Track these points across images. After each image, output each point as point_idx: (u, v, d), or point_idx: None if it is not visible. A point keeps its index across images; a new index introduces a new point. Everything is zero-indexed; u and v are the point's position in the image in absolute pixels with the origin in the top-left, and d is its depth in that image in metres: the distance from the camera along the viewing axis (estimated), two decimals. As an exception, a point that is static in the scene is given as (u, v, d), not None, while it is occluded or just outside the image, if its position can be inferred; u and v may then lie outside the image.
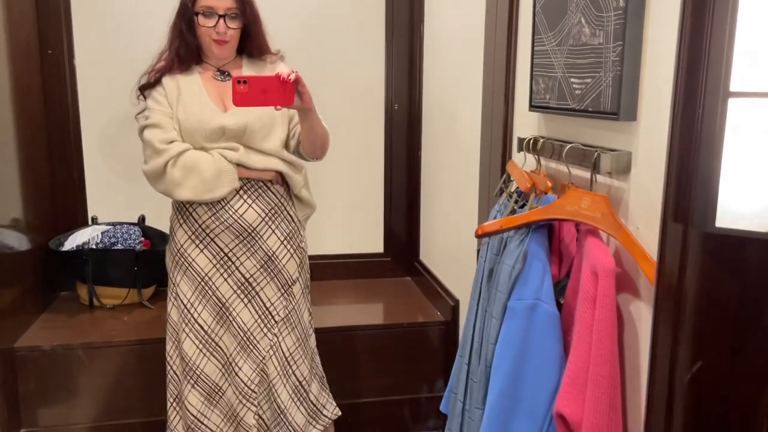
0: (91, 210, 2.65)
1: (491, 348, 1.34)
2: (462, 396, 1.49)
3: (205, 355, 1.83)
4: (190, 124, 1.76)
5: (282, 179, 1.86)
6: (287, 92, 1.60)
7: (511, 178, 1.55)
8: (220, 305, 1.83)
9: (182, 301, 1.83)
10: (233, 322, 1.83)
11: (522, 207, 1.42)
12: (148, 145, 1.77)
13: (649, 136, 1.14)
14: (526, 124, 1.65)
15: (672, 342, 0.91)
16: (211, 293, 1.82)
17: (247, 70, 1.85)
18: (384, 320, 2.57)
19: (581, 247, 1.23)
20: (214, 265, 1.82)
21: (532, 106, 1.51)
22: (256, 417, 1.85)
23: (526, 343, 1.26)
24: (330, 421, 2.02)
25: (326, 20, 2.73)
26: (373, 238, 2.93)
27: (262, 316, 1.84)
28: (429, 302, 2.61)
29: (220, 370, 1.85)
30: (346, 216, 2.89)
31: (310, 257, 2.00)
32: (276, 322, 1.85)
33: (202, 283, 1.82)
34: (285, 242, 1.86)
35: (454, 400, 1.54)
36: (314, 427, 1.96)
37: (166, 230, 2.01)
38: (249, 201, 1.81)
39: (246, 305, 1.83)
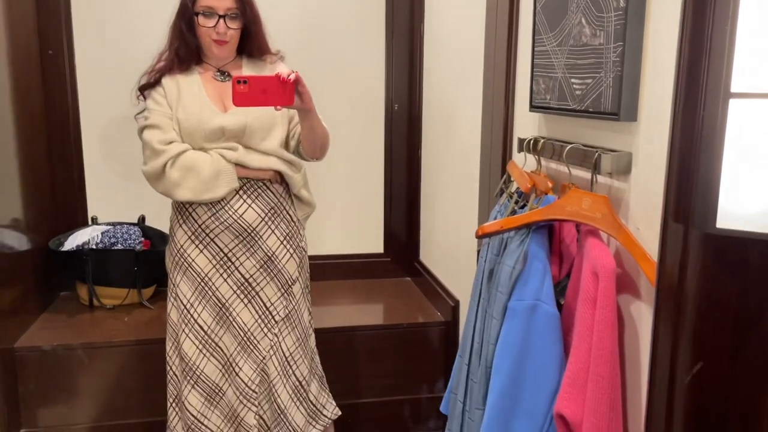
0: (91, 210, 2.65)
1: (491, 348, 1.34)
2: (462, 396, 1.49)
3: (204, 355, 1.83)
4: (189, 124, 1.76)
5: (281, 178, 1.86)
6: (287, 92, 1.60)
7: (512, 179, 1.55)
8: (220, 305, 1.83)
9: (182, 302, 1.83)
10: (233, 323, 1.83)
11: (522, 207, 1.42)
12: (147, 146, 1.77)
13: (650, 137, 1.14)
14: (527, 124, 1.65)
15: (672, 342, 0.91)
16: (210, 293, 1.82)
17: (247, 70, 1.85)
18: (384, 320, 2.57)
19: (582, 247, 1.23)
20: (214, 266, 1.82)
21: (533, 107, 1.51)
22: (257, 417, 1.85)
23: (527, 344, 1.26)
24: (330, 421, 2.02)
25: (326, 20, 2.73)
26: (373, 238, 2.93)
27: (263, 316, 1.84)
28: (429, 302, 2.60)
29: (220, 370, 1.85)
30: (346, 216, 2.89)
31: (310, 257, 2.00)
32: (276, 322, 1.85)
33: (202, 284, 1.82)
34: (284, 242, 1.86)
35: (454, 400, 1.54)
36: (314, 427, 1.96)
37: (166, 230, 2.01)
38: (249, 201, 1.81)
39: (246, 305, 1.83)
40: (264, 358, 1.84)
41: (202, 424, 1.84)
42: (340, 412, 2.04)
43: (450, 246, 2.45)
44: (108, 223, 2.56)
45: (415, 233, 2.91)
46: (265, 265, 1.83)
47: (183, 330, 1.83)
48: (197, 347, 1.82)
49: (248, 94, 1.57)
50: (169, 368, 1.89)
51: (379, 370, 2.38)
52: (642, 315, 1.17)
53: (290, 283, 1.87)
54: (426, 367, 2.42)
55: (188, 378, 1.83)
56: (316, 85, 1.74)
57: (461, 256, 2.26)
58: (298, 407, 1.90)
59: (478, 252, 1.59)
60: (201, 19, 1.76)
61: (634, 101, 1.16)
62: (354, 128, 2.81)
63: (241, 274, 1.82)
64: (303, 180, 1.92)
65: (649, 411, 0.95)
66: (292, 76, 1.59)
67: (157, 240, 2.55)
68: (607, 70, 1.19)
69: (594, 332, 1.13)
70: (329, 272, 2.82)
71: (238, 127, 1.77)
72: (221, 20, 1.75)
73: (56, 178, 2.60)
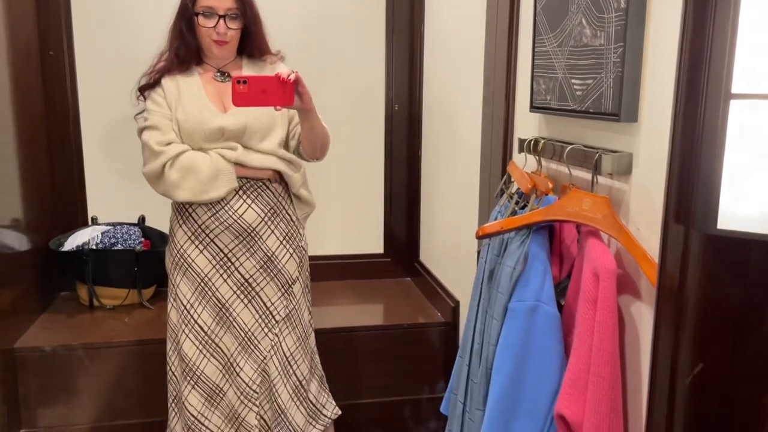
0: (91, 210, 2.65)
1: (492, 349, 1.34)
2: (462, 397, 1.49)
3: (205, 356, 1.83)
4: (189, 125, 1.76)
5: (280, 178, 1.86)
6: (287, 92, 1.60)
7: (512, 179, 1.55)
8: (220, 306, 1.83)
9: (182, 302, 1.83)
10: (234, 323, 1.83)
11: (523, 208, 1.42)
12: (146, 147, 1.77)
13: (650, 138, 1.14)
14: (527, 124, 1.65)
15: (673, 343, 0.91)
16: (210, 294, 1.82)
17: (248, 70, 1.85)
18: (384, 321, 2.57)
19: (582, 248, 1.23)
20: (214, 266, 1.82)
21: (533, 107, 1.51)
22: (258, 417, 1.85)
23: (527, 345, 1.26)
24: (330, 421, 2.02)
25: (326, 20, 2.73)
26: (373, 238, 2.93)
27: (263, 316, 1.84)
28: (429, 303, 2.60)
29: (221, 371, 1.85)
30: (346, 216, 2.89)
31: (310, 258, 2.00)
32: (277, 321, 1.85)
33: (202, 284, 1.82)
34: (284, 242, 1.86)
35: (455, 401, 1.54)
36: (314, 426, 1.96)
37: (166, 231, 2.01)
38: (248, 201, 1.81)
39: (246, 305, 1.83)
40: (265, 358, 1.84)
41: (203, 424, 1.84)
42: (340, 412, 2.04)
43: (450, 246, 2.45)
44: (108, 224, 2.56)
45: (415, 233, 2.91)
46: (265, 266, 1.83)
47: (183, 330, 1.83)
48: (197, 348, 1.82)
49: (248, 94, 1.57)
50: (168, 368, 1.89)
51: (379, 371, 2.38)
52: (643, 316, 1.17)
53: (290, 283, 1.87)
54: (426, 368, 2.41)
55: (188, 378, 1.83)
56: (316, 85, 1.74)
57: (461, 256, 2.26)
58: (298, 407, 1.90)
59: (479, 252, 1.59)
60: (201, 20, 1.75)
61: (635, 102, 1.16)
62: (354, 128, 2.81)
63: (241, 274, 1.82)
64: (302, 179, 1.92)
65: (649, 412, 0.95)
66: (292, 77, 1.59)
67: (157, 240, 2.55)
68: (607, 70, 1.19)
69: (595, 333, 1.13)
70: (329, 272, 2.82)
71: (237, 128, 1.77)
72: (221, 20, 1.75)
73: (56, 178, 2.60)
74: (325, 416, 2.00)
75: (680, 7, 0.85)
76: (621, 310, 1.21)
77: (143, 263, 2.47)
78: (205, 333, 1.82)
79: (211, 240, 1.81)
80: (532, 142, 1.46)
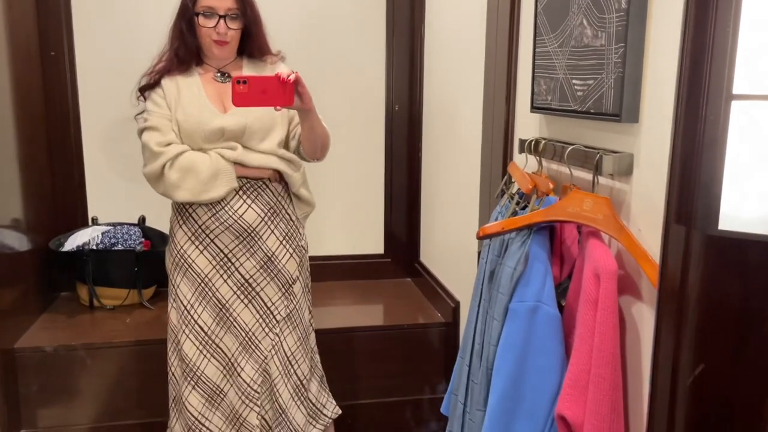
0: (91, 210, 2.65)
1: (492, 349, 1.34)
2: (463, 397, 1.49)
3: (205, 356, 1.83)
4: (189, 125, 1.76)
5: (280, 177, 1.86)
6: (287, 93, 1.60)
7: (513, 180, 1.55)
8: (220, 306, 1.82)
9: (182, 303, 1.83)
10: (234, 323, 1.83)
11: (523, 209, 1.42)
12: (146, 148, 1.77)
13: (651, 138, 1.13)
14: (528, 125, 1.65)
15: (674, 344, 0.91)
16: (211, 294, 1.82)
17: (248, 70, 1.85)
18: (384, 321, 2.57)
19: (583, 249, 1.23)
20: (214, 266, 1.82)
21: (534, 108, 1.51)
22: (259, 417, 1.85)
23: (528, 345, 1.26)
24: (330, 421, 2.02)
25: (327, 20, 2.73)
26: (374, 238, 2.93)
27: (264, 316, 1.84)
28: (429, 303, 2.60)
29: (221, 371, 1.84)
30: (347, 217, 2.89)
31: (311, 258, 2.00)
32: (277, 321, 1.85)
33: (202, 285, 1.82)
34: (284, 242, 1.86)
35: (455, 401, 1.54)
36: (314, 426, 1.96)
37: (167, 231, 2.01)
38: (248, 201, 1.81)
39: (246, 305, 1.83)
40: (266, 357, 1.84)
41: (203, 425, 1.84)
42: (340, 411, 2.04)
43: (450, 247, 2.44)
44: (108, 224, 2.56)
45: (416, 234, 2.91)
46: (265, 266, 1.83)
47: (183, 331, 1.82)
48: (197, 348, 1.82)
49: (248, 94, 1.57)
50: (169, 369, 1.89)
51: (379, 371, 2.38)
52: (643, 316, 1.17)
53: (291, 283, 1.87)
54: (426, 368, 2.41)
55: (188, 379, 1.83)
56: (316, 86, 1.74)
57: (462, 257, 2.26)
58: (298, 407, 1.90)
59: (479, 253, 1.59)
60: (201, 20, 1.75)
61: (636, 102, 1.16)
62: (354, 129, 2.81)
63: (241, 274, 1.82)
64: (302, 178, 1.92)
65: (650, 413, 0.95)
66: (292, 77, 1.59)
67: (157, 240, 2.55)
68: (608, 71, 1.19)
69: (595, 334, 1.13)
70: (329, 273, 2.82)
71: (237, 128, 1.77)
72: (221, 20, 1.74)
73: (56, 178, 2.59)
74: (326, 416, 2.00)
75: (681, 7, 0.85)
76: (622, 311, 1.21)
77: (143, 263, 2.47)
78: (206, 333, 1.82)
79: (212, 240, 1.81)
80: (533, 143, 1.46)
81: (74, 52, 2.55)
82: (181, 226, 1.84)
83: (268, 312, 1.84)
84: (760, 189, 0.83)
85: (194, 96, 1.79)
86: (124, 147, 2.58)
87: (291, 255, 1.87)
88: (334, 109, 2.48)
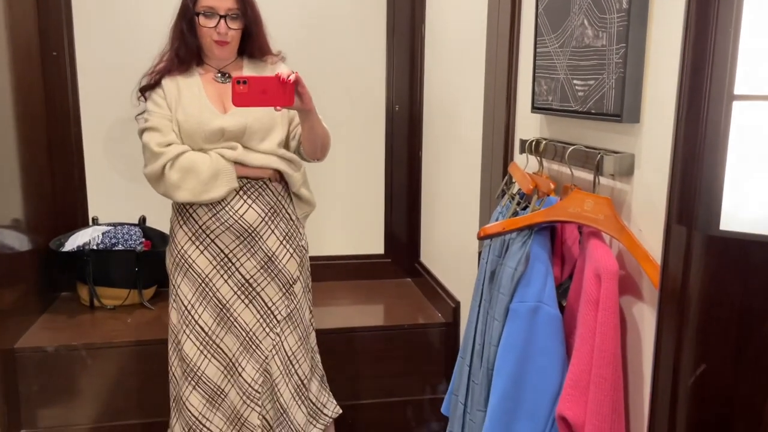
0: (91, 210, 2.65)
1: (493, 350, 1.34)
2: (463, 398, 1.49)
3: (206, 356, 1.83)
4: (189, 125, 1.76)
5: (280, 177, 1.86)
6: (287, 93, 1.60)
7: (513, 180, 1.55)
8: (221, 306, 1.82)
9: (183, 303, 1.82)
10: (235, 323, 1.83)
11: (524, 209, 1.42)
12: (146, 149, 1.77)
13: (652, 139, 1.13)
14: (529, 125, 1.65)
15: (676, 345, 0.91)
16: (211, 294, 1.82)
17: (248, 71, 1.85)
18: (384, 321, 2.56)
19: (584, 249, 1.23)
20: (215, 267, 1.82)
21: (535, 108, 1.51)
22: (261, 417, 1.85)
23: (529, 345, 1.26)
24: (330, 420, 2.02)
25: (327, 20, 2.73)
26: (374, 239, 2.93)
27: (264, 316, 1.84)
28: (430, 304, 2.60)
29: (222, 372, 1.84)
30: (347, 217, 2.89)
31: (311, 258, 2.00)
32: (278, 321, 1.85)
33: (203, 285, 1.82)
34: (284, 242, 1.86)
35: (456, 402, 1.53)
36: (314, 426, 1.96)
37: (167, 231, 2.01)
38: (249, 201, 1.81)
39: (247, 306, 1.83)
40: (266, 357, 1.84)
41: (204, 426, 1.84)
42: (340, 411, 2.04)
43: (451, 247, 2.44)
44: (109, 224, 2.56)
45: (416, 234, 2.91)
46: (266, 266, 1.83)
47: (184, 331, 1.82)
48: (198, 348, 1.82)
49: (248, 94, 1.56)
50: (170, 369, 1.89)
51: (379, 371, 2.38)
52: (644, 317, 1.17)
53: (291, 283, 1.87)
54: (427, 369, 2.41)
55: (189, 379, 1.83)
56: (316, 86, 1.74)
57: (462, 257, 2.26)
58: (299, 406, 1.90)
59: (479, 253, 1.59)
60: (202, 20, 1.75)
61: (637, 103, 1.16)
62: (354, 129, 2.81)
63: (241, 274, 1.82)
64: (303, 178, 1.92)
65: (652, 413, 0.95)
66: (292, 77, 1.59)
67: (157, 240, 2.55)
68: (609, 71, 1.19)
69: (596, 334, 1.13)
70: (330, 273, 2.82)
71: (238, 128, 1.77)
72: (222, 20, 1.74)
73: (57, 178, 2.59)
74: (326, 415, 2.00)
75: (682, 7, 0.85)
76: (623, 311, 1.21)
77: (144, 263, 2.47)
78: (206, 334, 1.82)
79: (212, 240, 1.81)
80: (534, 143, 1.46)
81: (75, 52, 2.55)
82: (181, 227, 1.84)
83: (269, 312, 1.84)
84: (762, 189, 0.83)
85: (195, 96, 1.79)
86: (125, 147, 2.58)
87: (291, 255, 1.87)
88: (334, 109, 2.48)
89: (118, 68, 2.51)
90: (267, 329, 1.84)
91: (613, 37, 1.18)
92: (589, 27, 1.25)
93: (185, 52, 1.80)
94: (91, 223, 2.61)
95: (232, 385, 1.85)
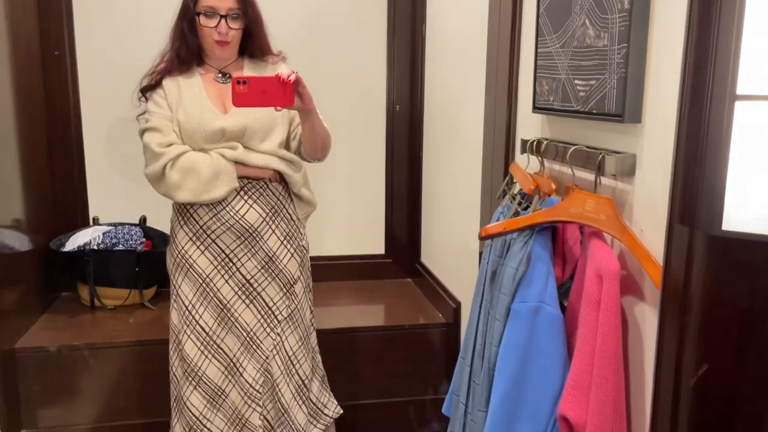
0: (92, 210, 2.65)
1: (494, 350, 1.34)
2: (464, 398, 1.49)
3: (206, 357, 1.82)
4: (190, 126, 1.76)
5: (281, 177, 1.86)
6: (287, 93, 1.60)
7: (514, 180, 1.55)
8: (222, 307, 1.82)
9: (183, 303, 1.82)
10: (235, 323, 1.82)
11: (525, 209, 1.42)
12: (147, 149, 1.77)
13: (654, 139, 1.13)
14: (530, 125, 1.65)
15: (678, 345, 0.91)
16: (212, 295, 1.82)
17: (249, 71, 1.85)
18: (385, 322, 2.56)
19: (585, 249, 1.23)
20: (215, 267, 1.82)
21: (536, 108, 1.51)
22: (262, 418, 1.85)
23: (530, 346, 1.26)
24: (331, 420, 2.02)
25: (327, 20, 2.73)
26: (375, 239, 2.93)
27: (265, 316, 1.84)
28: (430, 304, 2.60)
29: (223, 372, 1.84)
30: (348, 217, 2.89)
31: (312, 258, 2.00)
32: (279, 321, 1.85)
33: (203, 285, 1.82)
34: (285, 242, 1.85)
35: (457, 402, 1.53)
36: (315, 426, 1.96)
37: (167, 231, 2.00)
38: (250, 201, 1.81)
39: (248, 306, 1.83)
40: (267, 357, 1.84)
41: (204, 426, 1.83)
42: (341, 411, 2.04)
43: (451, 247, 2.44)
44: (109, 224, 2.56)
45: (417, 234, 2.91)
46: (267, 266, 1.83)
47: (184, 331, 1.82)
48: (199, 348, 1.82)
49: (248, 94, 1.56)
50: (170, 369, 1.89)
51: (380, 372, 2.38)
52: (646, 317, 1.17)
53: (292, 283, 1.87)
54: (427, 369, 2.41)
55: (190, 379, 1.83)
56: (316, 86, 1.74)
57: (463, 257, 2.26)
58: (300, 406, 1.90)
59: (480, 253, 1.59)
60: (203, 20, 1.75)
61: (639, 103, 1.16)
62: (355, 129, 2.81)
63: (242, 275, 1.82)
64: (303, 179, 1.92)
65: (654, 413, 0.95)
66: (292, 77, 1.59)
67: (158, 240, 2.55)
68: (611, 71, 1.19)
69: (598, 334, 1.13)
70: (330, 273, 2.82)
71: (238, 129, 1.77)
72: (223, 20, 1.74)
73: (57, 178, 2.59)
74: (327, 415, 2.00)
75: (683, 7, 0.85)
76: (624, 312, 1.21)
77: (144, 264, 2.47)
78: (207, 334, 1.82)
79: (213, 241, 1.81)
80: (535, 143, 1.46)
81: (75, 51, 2.55)
82: (182, 227, 1.84)
83: (270, 312, 1.84)
84: (764, 189, 0.83)
85: (195, 96, 1.79)
86: (125, 147, 2.57)
87: (292, 255, 1.87)
88: (335, 109, 2.48)
89: (118, 68, 2.51)
90: (268, 329, 1.84)
91: (615, 37, 1.17)
92: (591, 27, 1.25)
93: (186, 52, 1.80)
94: (91, 223, 2.61)
95: (233, 386, 1.85)
